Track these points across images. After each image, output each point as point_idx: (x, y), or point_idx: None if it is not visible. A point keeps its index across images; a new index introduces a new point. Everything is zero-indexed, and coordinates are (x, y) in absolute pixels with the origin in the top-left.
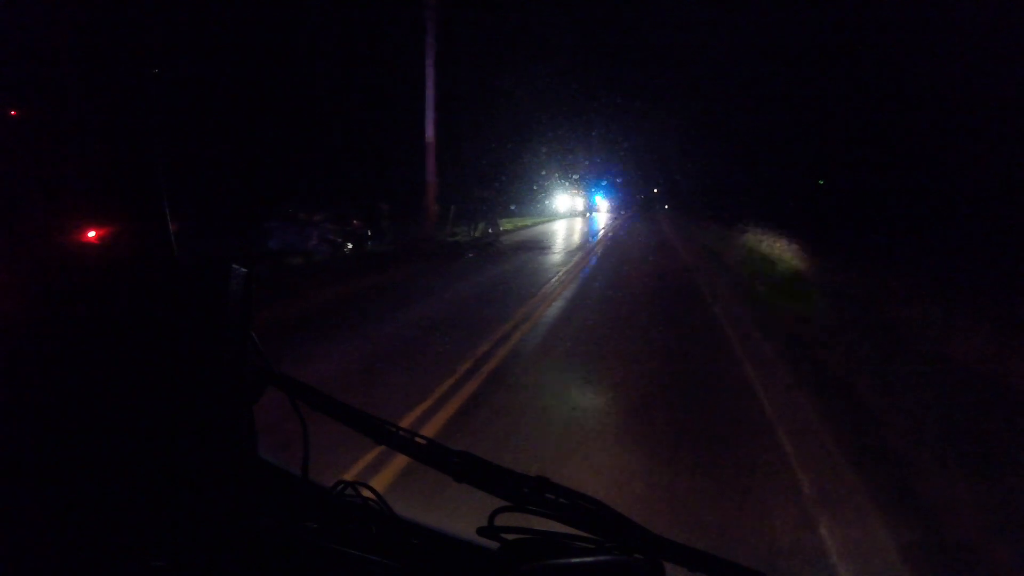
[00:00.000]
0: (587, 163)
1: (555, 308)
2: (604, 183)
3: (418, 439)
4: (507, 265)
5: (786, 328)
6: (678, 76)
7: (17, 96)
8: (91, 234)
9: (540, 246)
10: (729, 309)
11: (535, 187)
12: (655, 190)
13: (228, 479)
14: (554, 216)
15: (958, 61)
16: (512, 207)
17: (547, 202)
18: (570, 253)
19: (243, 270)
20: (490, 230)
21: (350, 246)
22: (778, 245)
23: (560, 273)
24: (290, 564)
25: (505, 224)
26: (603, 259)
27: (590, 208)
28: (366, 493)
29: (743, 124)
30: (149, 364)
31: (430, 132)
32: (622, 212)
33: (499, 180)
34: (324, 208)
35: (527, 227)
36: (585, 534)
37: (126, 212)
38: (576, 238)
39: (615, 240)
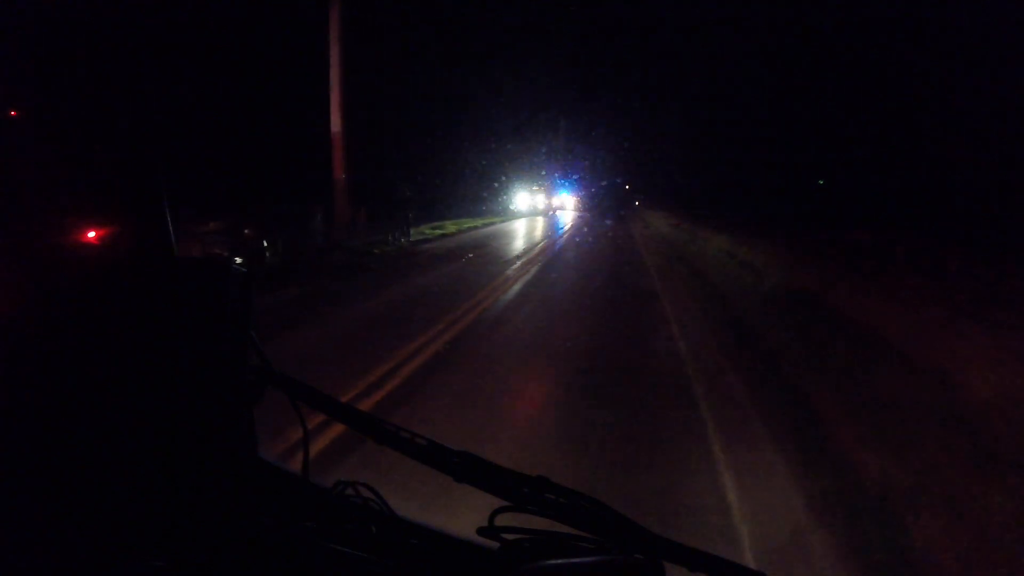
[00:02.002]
0: (551, 158)
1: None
2: (570, 179)
3: (418, 439)
4: (419, 280)
5: None
6: (651, 65)
7: (17, 96)
8: (91, 234)
9: (472, 255)
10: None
11: (489, 183)
12: (627, 186)
13: (228, 479)
14: (512, 215)
15: (958, 62)
16: (468, 206)
17: (506, 200)
18: (506, 263)
19: (243, 270)
20: (402, 239)
21: (238, 261)
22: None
23: (472, 301)
24: (290, 564)
25: (449, 226)
26: (547, 284)
27: (553, 206)
28: (366, 493)
29: (720, 117)
30: (149, 364)
31: (336, 122)
32: (590, 210)
33: (424, 176)
34: (219, 216)
35: (475, 228)
36: (585, 534)
37: (126, 212)
38: (523, 244)
39: (573, 247)
